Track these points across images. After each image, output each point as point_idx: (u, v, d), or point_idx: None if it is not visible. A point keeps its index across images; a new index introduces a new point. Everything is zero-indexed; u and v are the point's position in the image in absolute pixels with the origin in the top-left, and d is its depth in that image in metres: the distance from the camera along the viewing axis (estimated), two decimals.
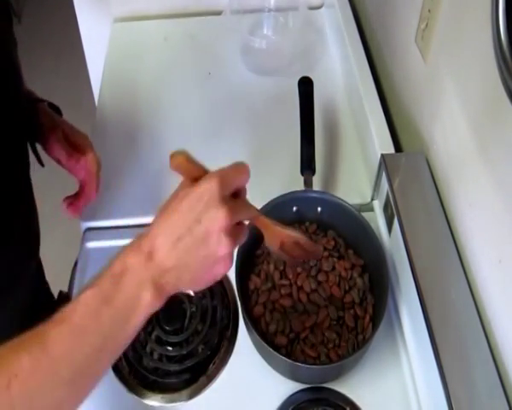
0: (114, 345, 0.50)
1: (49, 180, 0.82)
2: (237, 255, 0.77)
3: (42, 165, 0.82)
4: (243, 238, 0.55)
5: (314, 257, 0.78)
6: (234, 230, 0.52)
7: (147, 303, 0.50)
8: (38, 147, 0.81)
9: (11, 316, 0.75)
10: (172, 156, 0.54)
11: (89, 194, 0.84)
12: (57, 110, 0.84)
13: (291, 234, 0.64)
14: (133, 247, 0.51)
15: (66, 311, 0.48)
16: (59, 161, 0.81)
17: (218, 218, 0.50)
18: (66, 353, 0.47)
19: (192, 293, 0.81)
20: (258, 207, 0.82)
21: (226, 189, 0.52)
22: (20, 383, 0.44)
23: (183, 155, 0.54)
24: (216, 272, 0.53)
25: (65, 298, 0.87)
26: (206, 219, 0.50)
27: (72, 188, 0.86)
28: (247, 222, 0.57)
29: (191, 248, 0.51)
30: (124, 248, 0.51)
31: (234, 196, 0.54)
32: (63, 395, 0.48)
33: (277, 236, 0.63)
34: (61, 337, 0.47)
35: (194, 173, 0.53)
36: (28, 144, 0.77)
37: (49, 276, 0.96)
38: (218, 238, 0.51)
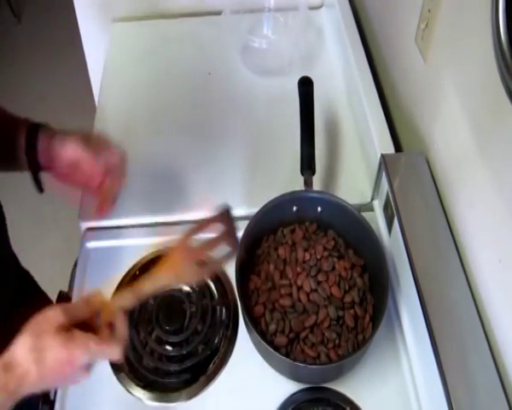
0: None
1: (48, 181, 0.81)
2: (237, 255, 0.77)
3: (41, 191, 0.79)
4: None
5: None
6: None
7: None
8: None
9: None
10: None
11: (114, 190, 0.80)
12: None
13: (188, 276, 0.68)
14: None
15: None
16: (73, 167, 0.76)
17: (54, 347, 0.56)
18: None
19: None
20: (258, 207, 0.82)
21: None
22: None
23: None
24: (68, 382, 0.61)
25: (65, 298, 0.87)
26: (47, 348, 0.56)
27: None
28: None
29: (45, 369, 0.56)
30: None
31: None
32: None
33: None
34: None
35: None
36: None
37: (49, 276, 0.96)
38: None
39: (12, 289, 0.83)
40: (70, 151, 0.75)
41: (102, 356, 0.62)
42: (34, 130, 0.75)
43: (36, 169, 0.76)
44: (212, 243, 0.66)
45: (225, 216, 0.68)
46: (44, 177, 0.77)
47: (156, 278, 0.63)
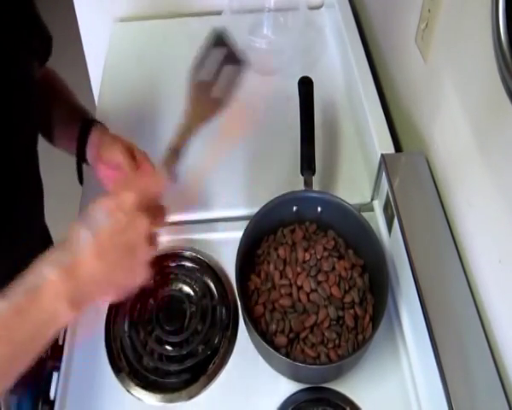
0: (25, 355, 0.51)
1: (48, 181, 0.81)
2: (237, 255, 0.77)
3: (81, 182, 0.84)
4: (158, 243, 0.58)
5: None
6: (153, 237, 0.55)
7: (60, 317, 0.51)
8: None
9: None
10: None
11: None
12: None
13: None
14: (53, 259, 0.52)
15: None
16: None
17: (141, 227, 0.53)
18: None
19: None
20: (258, 207, 0.82)
21: (144, 198, 0.55)
22: None
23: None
24: (133, 280, 0.56)
25: None
26: (129, 229, 0.53)
27: (72, 189, 0.86)
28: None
29: (115, 260, 0.53)
30: (43, 259, 0.52)
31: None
32: None
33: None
34: None
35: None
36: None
37: None
38: (141, 247, 0.54)
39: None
40: (115, 157, 0.77)
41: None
42: (88, 124, 0.80)
43: (81, 160, 0.80)
44: (219, 70, 0.67)
45: (221, 39, 0.68)
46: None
47: (185, 128, 0.66)
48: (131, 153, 0.78)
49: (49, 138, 0.85)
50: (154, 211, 0.57)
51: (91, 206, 0.55)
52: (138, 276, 0.56)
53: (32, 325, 0.50)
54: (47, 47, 0.77)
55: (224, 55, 0.67)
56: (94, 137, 0.79)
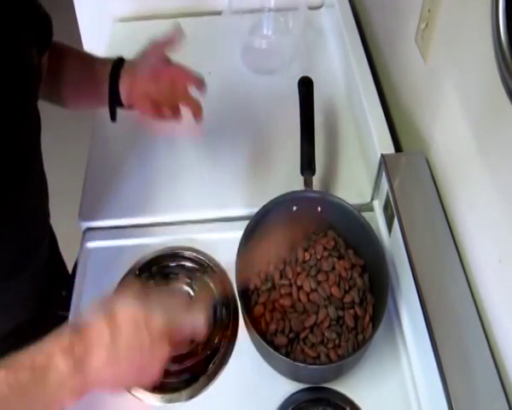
0: None
1: (48, 181, 0.81)
2: (237, 255, 0.77)
3: (113, 119, 0.84)
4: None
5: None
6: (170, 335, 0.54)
7: (61, 403, 0.50)
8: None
9: (24, 289, 0.75)
10: None
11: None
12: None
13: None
14: (63, 345, 0.50)
15: None
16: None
17: (160, 354, 0.53)
18: None
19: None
20: (258, 207, 0.82)
21: (173, 328, 0.55)
22: None
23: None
24: (145, 379, 0.54)
25: (64, 299, 0.87)
26: (148, 352, 0.52)
27: (72, 187, 0.86)
28: None
29: (127, 369, 0.52)
30: (51, 339, 0.50)
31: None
32: None
33: None
34: None
35: None
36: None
37: None
38: (155, 367, 0.53)
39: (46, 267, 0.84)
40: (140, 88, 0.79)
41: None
42: (117, 67, 0.83)
43: (115, 103, 0.82)
44: None
45: None
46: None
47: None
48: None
49: (65, 102, 0.86)
50: (177, 343, 0.56)
51: (119, 294, 0.55)
52: (148, 377, 0.55)
53: (33, 407, 0.49)
54: (48, 30, 0.76)
55: None
56: (125, 75, 0.82)
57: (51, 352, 0.49)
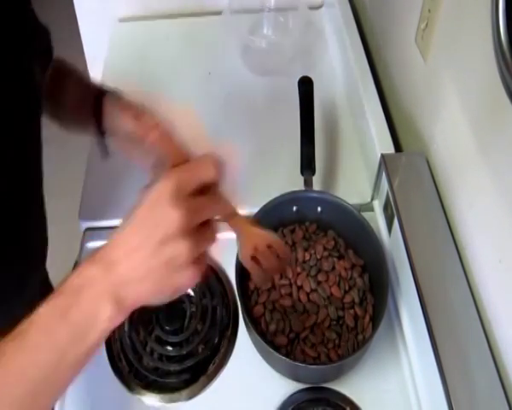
0: (72, 362, 0.47)
1: (48, 180, 0.81)
2: (237, 256, 0.77)
3: (106, 155, 0.78)
4: (211, 240, 0.51)
5: (284, 265, 0.68)
6: (196, 232, 0.48)
7: (106, 318, 0.47)
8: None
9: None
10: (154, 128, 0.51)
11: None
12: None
13: (265, 233, 0.61)
14: (92, 259, 0.49)
15: (24, 326, 0.46)
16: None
17: (172, 220, 0.46)
18: (19, 369, 0.45)
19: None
20: (258, 207, 0.82)
21: (184, 188, 0.47)
22: None
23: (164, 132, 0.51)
24: (177, 282, 0.49)
25: None
26: (161, 223, 0.47)
27: (72, 187, 0.86)
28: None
29: (149, 256, 0.47)
30: (83, 262, 0.49)
31: (203, 192, 0.49)
32: None
33: (252, 238, 0.59)
34: (15, 352, 0.45)
35: (173, 154, 0.52)
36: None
37: (50, 276, 0.96)
38: (175, 243, 0.47)
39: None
40: (124, 126, 0.71)
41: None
42: (101, 95, 0.74)
43: (101, 134, 0.75)
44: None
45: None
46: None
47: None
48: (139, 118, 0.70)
49: (62, 122, 0.83)
50: (196, 204, 0.49)
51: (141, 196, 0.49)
52: (184, 275, 0.49)
53: (73, 327, 0.46)
54: (47, 44, 0.75)
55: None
56: (107, 107, 0.74)
57: (82, 268, 0.48)
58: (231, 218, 0.56)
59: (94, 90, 0.76)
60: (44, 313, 0.46)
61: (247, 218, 0.58)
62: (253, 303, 0.79)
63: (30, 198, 0.71)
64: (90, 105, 0.74)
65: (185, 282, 0.49)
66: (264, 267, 0.63)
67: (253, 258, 0.62)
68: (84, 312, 0.47)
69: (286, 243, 0.84)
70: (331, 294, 0.78)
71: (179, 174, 0.48)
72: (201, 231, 0.49)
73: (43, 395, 0.47)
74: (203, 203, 0.49)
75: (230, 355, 0.79)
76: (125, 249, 0.48)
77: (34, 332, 0.46)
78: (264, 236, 0.61)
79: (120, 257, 0.48)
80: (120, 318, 0.48)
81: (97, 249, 0.49)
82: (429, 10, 0.81)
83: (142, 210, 0.48)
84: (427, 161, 0.85)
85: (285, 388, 0.76)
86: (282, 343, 0.75)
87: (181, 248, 0.47)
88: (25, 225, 0.69)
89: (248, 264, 0.62)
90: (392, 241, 0.84)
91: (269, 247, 0.61)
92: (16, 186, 0.64)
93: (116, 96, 0.75)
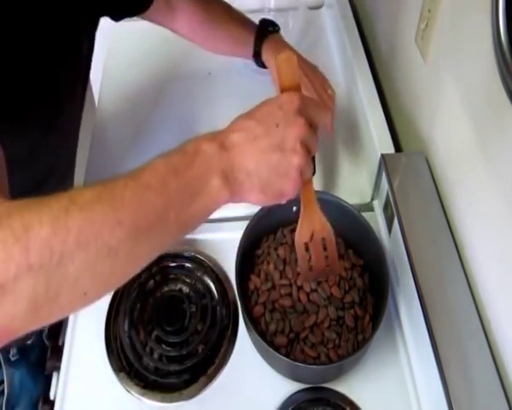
0: (177, 218, 0.47)
1: None
2: (237, 255, 0.77)
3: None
4: (314, 150, 0.54)
5: (331, 272, 0.72)
6: (307, 143, 0.52)
7: (215, 190, 0.48)
8: None
9: None
10: (283, 54, 0.55)
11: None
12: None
13: (326, 225, 0.63)
14: (207, 136, 0.50)
15: (136, 170, 0.47)
16: None
17: (296, 126, 0.51)
18: (128, 201, 0.44)
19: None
20: (258, 207, 0.82)
21: (307, 110, 0.52)
22: (78, 209, 0.42)
23: (293, 57, 0.55)
24: (282, 188, 0.52)
25: None
26: (284, 124, 0.51)
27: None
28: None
29: (265, 149, 0.50)
30: (196, 137, 0.50)
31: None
32: (115, 241, 0.43)
33: (312, 223, 0.63)
34: (126, 187, 0.45)
35: (291, 78, 0.55)
36: None
37: None
38: (293, 146, 0.50)
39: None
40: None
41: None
42: (262, 36, 0.92)
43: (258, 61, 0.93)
44: None
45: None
46: None
47: None
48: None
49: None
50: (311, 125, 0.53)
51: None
52: (290, 182, 0.52)
53: (183, 184, 0.47)
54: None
55: None
56: (267, 50, 0.91)
57: (197, 140, 0.50)
58: (307, 183, 0.59)
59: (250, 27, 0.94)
60: (159, 164, 0.47)
61: (315, 192, 0.61)
62: (252, 303, 0.79)
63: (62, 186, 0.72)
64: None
65: (288, 189, 0.52)
66: (311, 262, 0.66)
67: (305, 245, 0.64)
68: (196, 176, 0.48)
69: (286, 243, 0.84)
70: (331, 294, 0.78)
71: (307, 99, 0.53)
72: (310, 142, 0.53)
73: (144, 240, 0.46)
74: (315, 134, 0.54)
75: (230, 355, 0.79)
76: (242, 136, 0.50)
77: (147, 176, 0.46)
78: (323, 226, 0.64)
79: (236, 142, 0.50)
80: (226, 197, 0.49)
81: (215, 132, 0.51)
82: (429, 10, 0.81)
83: (266, 108, 0.52)
84: (427, 161, 0.85)
85: (285, 388, 0.76)
86: (281, 343, 0.75)
87: (294, 157, 0.51)
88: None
89: (300, 249, 0.65)
90: (392, 241, 0.84)
91: (323, 242, 0.64)
92: (53, 170, 0.66)
93: (275, 38, 0.92)
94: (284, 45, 0.92)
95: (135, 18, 1.30)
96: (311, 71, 0.89)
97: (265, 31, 0.93)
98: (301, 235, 0.65)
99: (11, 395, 0.88)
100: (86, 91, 0.81)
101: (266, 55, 0.91)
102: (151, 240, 0.46)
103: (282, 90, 0.56)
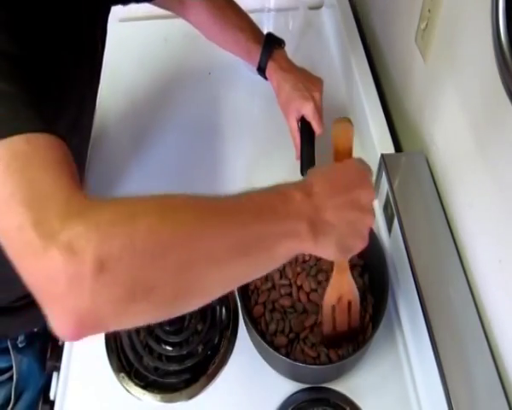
0: (254, 255, 0.47)
1: None
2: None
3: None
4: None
5: (351, 333, 0.75)
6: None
7: (303, 233, 0.49)
8: None
9: None
10: (340, 122, 0.62)
11: None
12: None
13: (354, 290, 0.68)
14: (292, 186, 0.51)
15: (230, 195, 0.50)
16: None
17: (369, 188, 0.55)
18: (239, 220, 0.47)
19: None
20: None
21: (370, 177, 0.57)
22: (191, 209, 0.46)
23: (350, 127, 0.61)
24: (356, 243, 0.54)
25: None
26: (359, 185, 0.54)
27: None
28: None
29: (346, 205, 0.52)
30: (276, 186, 0.51)
31: None
32: (223, 253, 0.44)
33: (341, 286, 0.67)
34: (234, 205, 0.48)
35: (347, 145, 0.62)
36: None
37: None
38: (369, 206, 0.54)
39: None
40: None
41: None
42: (267, 52, 0.93)
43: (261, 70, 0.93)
44: None
45: None
46: None
47: None
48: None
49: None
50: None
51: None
52: (362, 241, 0.54)
53: (277, 223, 0.48)
54: None
55: None
56: (270, 67, 0.93)
57: (281, 189, 0.51)
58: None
59: (256, 36, 0.95)
60: (253, 194, 0.49)
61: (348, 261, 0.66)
62: (253, 303, 0.79)
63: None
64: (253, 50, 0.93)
65: (359, 247, 0.55)
66: (335, 322, 0.71)
67: (332, 307, 0.70)
68: (289, 219, 0.49)
69: None
70: None
71: (368, 167, 0.57)
72: None
73: (240, 262, 0.46)
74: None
75: (230, 355, 0.79)
76: (324, 188, 0.52)
77: (245, 199, 0.49)
78: (351, 290, 0.69)
79: (320, 192, 0.51)
80: (310, 244, 0.49)
81: (293, 182, 0.53)
82: (429, 10, 0.81)
83: (342, 168, 0.57)
84: (427, 161, 0.85)
85: (285, 388, 0.76)
86: (281, 343, 0.75)
87: (369, 217, 0.54)
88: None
89: (327, 311, 0.70)
90: (392, 241, 0.84)
91: (348, 305, 0.69)
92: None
93: (279, 54, 0.94)
94: (289, 65, 0.93)
95: (135, 18, 1.31)
96: (301, 73, 0.93)
97: (271, 47, 0.94)
98: (330, 297, 0.69)
99: (19, 380, 0.89)
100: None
101: (270, 71, 0.93)
102: (241, 265, 0.47)
103: (337, 153, 0.62)
